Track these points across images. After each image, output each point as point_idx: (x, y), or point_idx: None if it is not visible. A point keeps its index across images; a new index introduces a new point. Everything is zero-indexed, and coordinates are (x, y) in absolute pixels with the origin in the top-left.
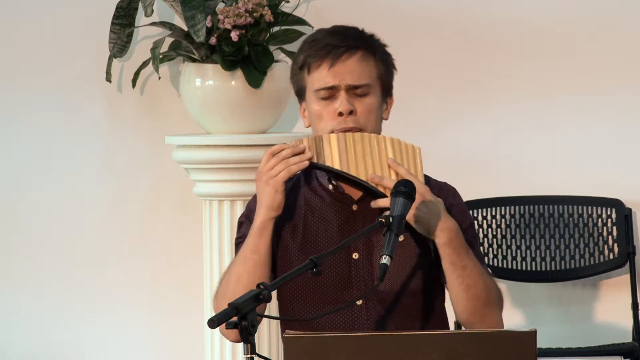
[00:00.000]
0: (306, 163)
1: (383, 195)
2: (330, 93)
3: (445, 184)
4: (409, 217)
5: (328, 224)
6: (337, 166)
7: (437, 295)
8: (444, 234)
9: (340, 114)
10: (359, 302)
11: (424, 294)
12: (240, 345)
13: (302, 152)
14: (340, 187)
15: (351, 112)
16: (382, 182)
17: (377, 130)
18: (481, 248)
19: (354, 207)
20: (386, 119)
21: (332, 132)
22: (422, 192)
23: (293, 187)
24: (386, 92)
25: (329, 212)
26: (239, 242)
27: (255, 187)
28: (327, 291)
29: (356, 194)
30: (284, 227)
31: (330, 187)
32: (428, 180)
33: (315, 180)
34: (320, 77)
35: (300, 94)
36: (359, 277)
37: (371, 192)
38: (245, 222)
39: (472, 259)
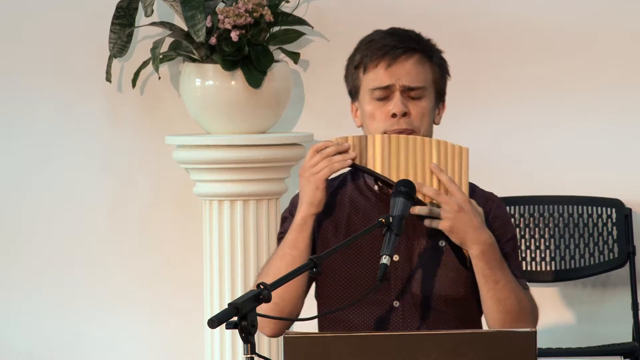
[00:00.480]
0: (348, 162)
1: (423, 203)
2: (385, 93)
3: (491, 194)
4: (445, 226)
5: (371, 224)
6: (378, 169)
7: (474, 305)
8: (478, 247)
9: (394, 115)
10: (396, 304)
11: (460, 303)
12: (240, 345)
13: (346, 150)
14: (386, 188)
15: (405, 114)
16: (421, 190)
17: (428, 135)
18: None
19: None
20: (437, 124)
21: (385, 132)
22: (460, 201)
23: (339, 185)
24: (439, 97)
25: (373, 212)
26: (280, 237)
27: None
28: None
29: None
30: (327, 224)
31: (376, 187)
32: (474, 188)
33: (362, 179)
34: (377, 76)
35: (354, 93)
36: (398, 278)
37: None
38: (288, 218)
39: (506, 274)
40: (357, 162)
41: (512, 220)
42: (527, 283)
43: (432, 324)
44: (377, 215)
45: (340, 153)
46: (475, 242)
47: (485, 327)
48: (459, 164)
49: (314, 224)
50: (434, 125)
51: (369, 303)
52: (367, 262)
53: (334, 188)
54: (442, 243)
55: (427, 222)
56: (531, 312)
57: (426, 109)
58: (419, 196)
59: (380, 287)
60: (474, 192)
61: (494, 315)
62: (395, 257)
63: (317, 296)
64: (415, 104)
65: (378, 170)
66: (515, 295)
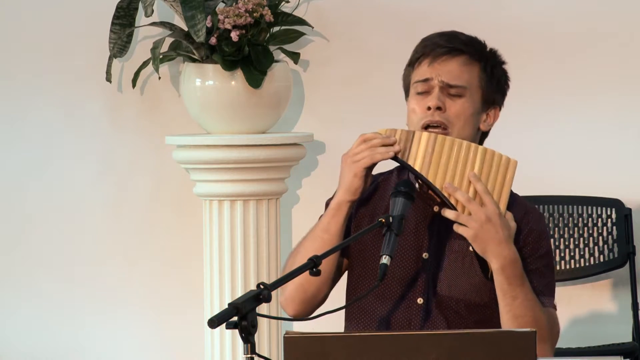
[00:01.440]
0: (390, 154)
1: (453, 207)
2: (426, 88)
3: (533, 207)
4: (469, 234)
5: (407, 219)
6: (417, 166)
7: (496, 314)
8: (498, 261)
9: (429, 108)
10: (420, 301)
11: (481, 310)
12: (240, 345)
13: (392, 144)
14: (425, 187)
15: (439, 108)
16: (454, 194)
17: (467, 137)
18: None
19: (435, 209)
20: (485, 130)
21: (422, 126)
22: (490, 213)
23: (385, 179)
24: (488, 103)
25: (410, 209)
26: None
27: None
28: (392, 287)
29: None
30: (364, 213)
31: (417, 185)
32: (515, 199)
33: (407, 175)
34: (420, 71)
35: (406, 90)
36: (425, 277)
37: (443, 200)
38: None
39: (525, 291)
40: (400, 156)
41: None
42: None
43: (453, 326)
44: (414, 212)
45: (385, 146)
46: (497, 255)
47: None
48: (502, 176)
49: (351, 211)
50: (484, 133)
51: (394, 297)
52: (397, 253)
53: (378, 181)
54: (472, 248)
55: (455, 227)
56: (549, 331)
57: (464, 108)
58: (452, 200)
59: (407, 282)
60: (515, 202)
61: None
62: (425, 255)
63: (348, 285)
64: (453, 101)
65: (417, 167)
66: (532, 313)
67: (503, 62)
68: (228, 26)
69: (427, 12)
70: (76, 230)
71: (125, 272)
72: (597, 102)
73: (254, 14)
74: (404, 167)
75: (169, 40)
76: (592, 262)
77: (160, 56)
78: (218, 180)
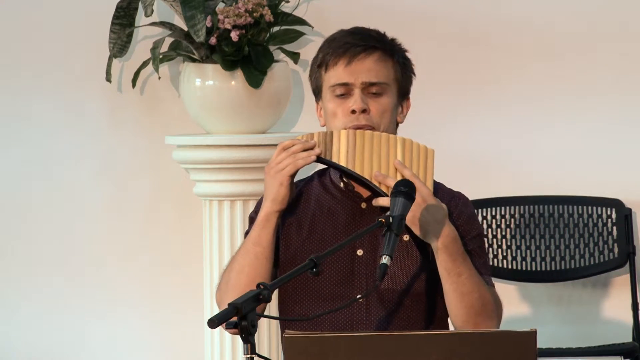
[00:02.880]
0: (312, 158)
1: (385, 194)
2: (345, 90)
3: (458, 192)
4: (408, 218)
5: (335, 221)
6: (343, 163)
7: (440, 299)
8: (440, 240)
9: (353, 111)
10: (360, 300)
11: (425, 297)
12: (240, 345)
13: (312, 147)
14: (351, 185)
15: (364, 111)
16: (385, 181)
17: (391, 132)
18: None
19: (363, 205)
20: (401, 122)
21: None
22: (424, 195)
23: (306, 184)
24: (402, 95)
25: (337, 209)
26: (247, 235)
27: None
28: (329, 287)
29: (366, 192)
30: (291, 221)
31: (342, 184)
32: (438, 186)
33: (329, 178)
34: (337, 74)
35: (317, 92)
36: (362, 274)
37: (375, 191)
38: (255, 217)
39: (469, 268)
40: (322, 156)
41: (513, 220)
42: (527, 283)
43: (397, 320)
44: (342, 211)
45: (306, 150)
46: (437, 234)
47: (446, 322)
48: (424, 164)
49: (278, 221)
50: (400, 125)
51: (333, 298)
52: (330, 257)
53: (300, 187)
54: (406, 237)
55: (374, 201)
56: (494, 308)
57: (387, 105)
58: (383, 188)
59: (344, 281)
60: (439, 190)
61: (457, 310)
62: (360, 252)
63: (280, 290)
64: (375, 100)
65: (342, 163)
66: (478, 289)
67: (407, 51)
68: (228, 26)
69: (427, 12)
70: (76, 230)
71: (125, 272)
72: (597, 102)
73: (254, 14)
74: (326, 169)
75: (168, 40)
76: (592, 262)
77: (160, 56)
78: (218, 180)
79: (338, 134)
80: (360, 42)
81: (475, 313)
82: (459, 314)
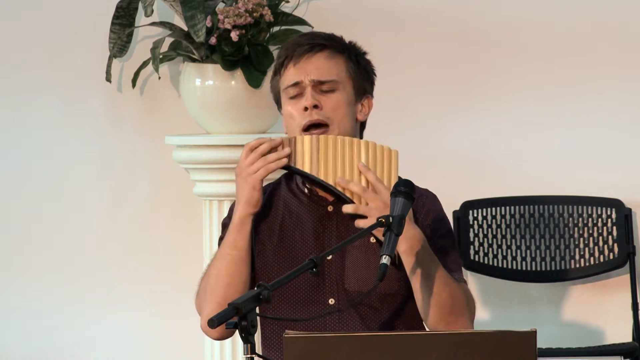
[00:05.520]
0: (284, 161)
1: (351, 200)
2: (297, 90)
3: (426, 190)
4: (370, 223)
5: (303, 225)
6: (307, 169)
7: (409, 300)
8: (406, 242)
9: (306, 108)
10: (332, 302)
11: (394, 298)
12: (240, 345)
13: (279, 145)
14: (315, 190)
15: (316, 107)
16: (348, 186)
17: (348, 129)
18: (458, 253)
19: (329, 208)
20: (362, 120)
21: (302, 128)
22: (387, 199)
23: (274, 189)
24: (360, 93)
25: (304, 214)
26: (220, 242)
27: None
28: (300, 290)
29: (331, 195)
30: (263, 228)
31: (306, 190)
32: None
33: (295, 183)
34: (287, 75)
35: (277, 100)
36: (332, 277)
37: (339, 197)
38: (228, 223)
39: (437, 268)
40: (289, 163)
41: (513, 220)
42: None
43: (369, 320)
44: (309, 217)
45: (274, 149)
46: (403, 238)
47: (421, 322)
48: (388, 165)
49: (252, 225)
50: (362, 124)
51: (305, 302)
52: (300, 262)
53: (269, 191)
54: (373, 240)
55: (356, 223)
56: (466, 305)
57: (340, 102)
58: (347, 194)
59: (314, 285)
60: None
61: (427, 310)
62: (329, 256)
63: None
64: (327, 96)
65: (307, 169)
66: (447, 288)
67: (365, 52)
68: (228, 26)
69: (427, 12)
70: (76, 230)
71: (125, 272)
72: (597, 102)
73: (254, 14)
74: (292, 173)
75: (168, 40)
76: (592, 262)
77: (160, 56)
78: (218, 180)
79: (302, 139)
80: (307, 41)
81: (447, 312)
82: (430, 314)
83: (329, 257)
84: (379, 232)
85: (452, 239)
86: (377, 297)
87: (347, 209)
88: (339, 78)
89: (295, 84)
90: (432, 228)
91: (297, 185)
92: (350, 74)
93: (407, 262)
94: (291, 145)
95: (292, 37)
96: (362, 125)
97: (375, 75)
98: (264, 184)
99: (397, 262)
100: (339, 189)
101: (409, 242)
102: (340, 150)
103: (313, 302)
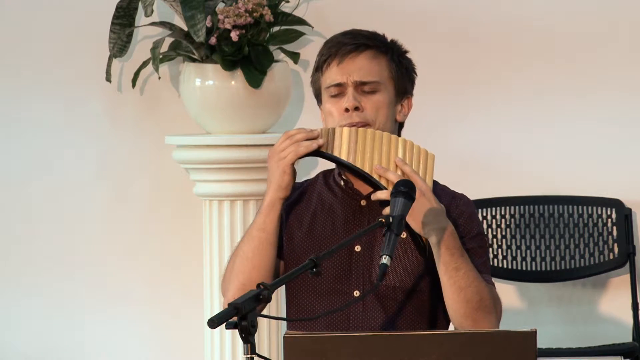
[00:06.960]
0: (314, 146)
1: (385, 188)
2: (339, 90)
3: (461, 194)
4: None
5: (335, 217)
6: (344, 156)
7: (434, 297)
8: (438, 234)
9: (347, 109)
10: (357, 294)
11: (421, 294)
12: (240, 345)
13: (316, 137)
14: (350, 183)
15: (357, 108)
16: (385, 174)
17: (389, 130)
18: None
19: (363, 202)
20: (401, 121)
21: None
22: (423, 190)
23: (311, 184)
24: (401, 93)
25: (337, 206)
26: None
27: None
28: (327, 282)
29: (366, 189)
30: (292, 218)
31: (342, 182)
32: (441, 188)
33: (332, 177)
34: (330, 74)
35: (318, 96)
36: (359, 269)
37: (375, 186)
38: None
39: (467, 263)
40: (324, 149)
41: (513, 220)
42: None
43: (393, 316)
44: (341, 209)
45: (309, 140)
46: (435, 228)
47: (444, 321)
48: (424, 167)
49: (282, 211)
50: (400, 124)
51: (331, 292)
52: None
53: (305, 186)
54: (404, 235)
55: (374, 195)
56: (493, 304)
57: (381, 103)
58: (383, 182)
59: (340, 276)
60: (441, 191)
61: (455, 305)
62: (357, 248)
63: (287, 287)
64: (368, 98)
65: (343, 157)
66: (475, 284)
67: (406, 51)
68: (228, 26)
69: (427, 12)
70: (76, 229)
71: (125, 272)
72: (597, 102)
73: (254, 14)
74: (331, 170)
75: (168, 40)
76: (592, 262)
77: (160, 56)
78: (218, 180)
79: (340, 131)
80: (351, 41)
81: (473, 308)
82: (456, 309)
83: (358, 249)
84: (414, 224)
85: (483, 241)
86: (402, 291)
87: (381, 195)
88: (381, 79)
89: (338, 85)
90: (463, 229)
91: (333, 179)
92: (392, 75)
93: (438, 254)
94: (329, 135)
95: (335, 35)
96: (401, 125)
97: (416, 74)
98: (303, 179)
99: (427, 254)
100: (375, 176)
101: (440, 234)
102: (377, 143)
103: (338, 292)
